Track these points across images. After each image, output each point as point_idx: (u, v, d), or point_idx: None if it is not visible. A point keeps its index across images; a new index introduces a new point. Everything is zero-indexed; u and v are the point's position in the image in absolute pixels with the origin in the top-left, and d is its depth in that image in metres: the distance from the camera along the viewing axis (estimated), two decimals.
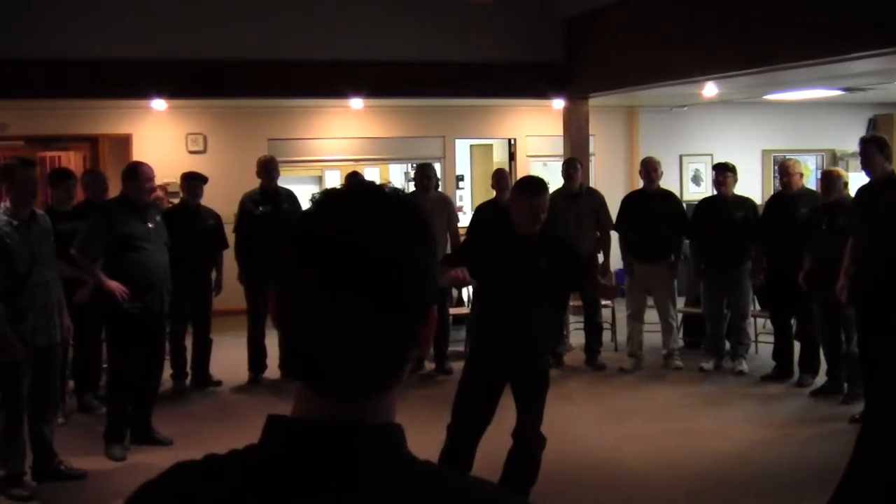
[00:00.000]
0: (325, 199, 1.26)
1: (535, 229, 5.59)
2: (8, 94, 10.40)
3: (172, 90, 10.76)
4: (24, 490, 6.27)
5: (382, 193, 1.26)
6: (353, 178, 8.90)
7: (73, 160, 13.21)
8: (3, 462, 6.24)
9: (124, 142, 13.23)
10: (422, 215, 1.27)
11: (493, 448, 5.62)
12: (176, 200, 9.88)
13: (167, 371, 8.85)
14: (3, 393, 6.24)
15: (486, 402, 5.60)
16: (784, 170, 9.31)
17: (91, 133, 13.17)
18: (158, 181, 11.49)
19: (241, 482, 1.20)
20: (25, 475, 6.36)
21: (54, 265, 6.46)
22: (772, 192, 13.26)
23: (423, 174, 9.61)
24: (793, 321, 9.24)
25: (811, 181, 13.18)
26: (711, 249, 9.48)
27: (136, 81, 10.33)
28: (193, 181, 9.11)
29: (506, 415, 5.64)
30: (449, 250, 9.16)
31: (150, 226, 7.18)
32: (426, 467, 1.22)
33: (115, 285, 6.91)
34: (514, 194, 5.82)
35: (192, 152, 13.33)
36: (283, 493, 1.17)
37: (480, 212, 10.15)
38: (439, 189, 10.49)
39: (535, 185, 5.69)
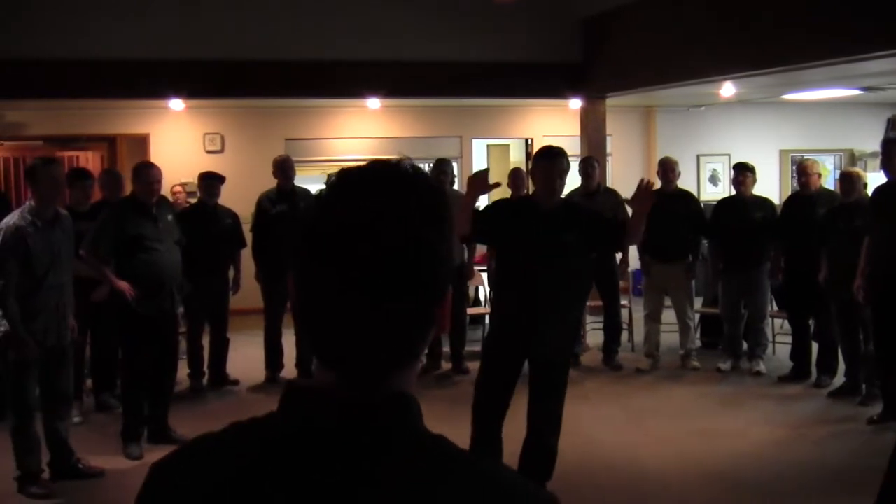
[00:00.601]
0: (340, 180, 1.25)
1: (552, 196, 5.62)
2: (27, 94, 10.49)
3: (189, 90, 10.80)
4: (43, 488, 6.30)
5: (399, 173, 1.24)
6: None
7: (91, 160, 13.26)
8: (18, 461, 6.26)
9: (142, 142, 13.28)
10: (439, 194, 1.26)
11: (511, 444, 5.62)
12: (194, 200, 9.91)
13: (184, 370, 8.88)
14: (11, 392, 6.27)
15: (508, 376, 5.67)
16: (802, 170, 9.27)
17: (109, 133, 13.22)
18: (176, 181, 11.58)
19: (261, 452, 1.21)
20: (43, 472, 6.38)
21: (71, 267, 6.48)
22: (789, 193, 13.20)
23: (440, 169, 9.59)
24: (811, 321, 9.20)
25: (829, 181, 13.11)
26: (730, 250, 9.45)
27: (154, 81, 10.38)
28: (211, 181, 9.12)
29: (524, 407, 5.68)
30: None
31: (160, 225, 7.21)
32: (440, 441, 1.23)
33: (124, 285, 6.93)
34: (532, 164, 5.96)
35: (209, 152, 13.37)
36: (302, 462, 1.18)
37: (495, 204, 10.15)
38: (455, 186, 10.47)
39: (547, 150, 5.81)
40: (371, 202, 1.20)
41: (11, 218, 6.10)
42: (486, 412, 5.68)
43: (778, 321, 10.34)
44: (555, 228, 5.53)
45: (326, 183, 1.55)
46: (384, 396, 1.20)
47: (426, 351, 8.15)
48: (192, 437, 1.30)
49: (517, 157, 15.54)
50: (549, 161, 5.63)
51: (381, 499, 1.15)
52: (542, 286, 5.52)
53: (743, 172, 9.46)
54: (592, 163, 10.06)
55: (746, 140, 15.27)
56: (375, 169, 1.25)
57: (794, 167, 12.78)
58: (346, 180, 1.24)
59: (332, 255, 1.18)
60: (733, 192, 9.78)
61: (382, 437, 1.18)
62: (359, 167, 1.26)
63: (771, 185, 14.60)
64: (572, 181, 10.54)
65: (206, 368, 9.20)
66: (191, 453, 1.29)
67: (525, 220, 5.68)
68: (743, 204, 9.43)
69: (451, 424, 5.47)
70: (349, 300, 1.18)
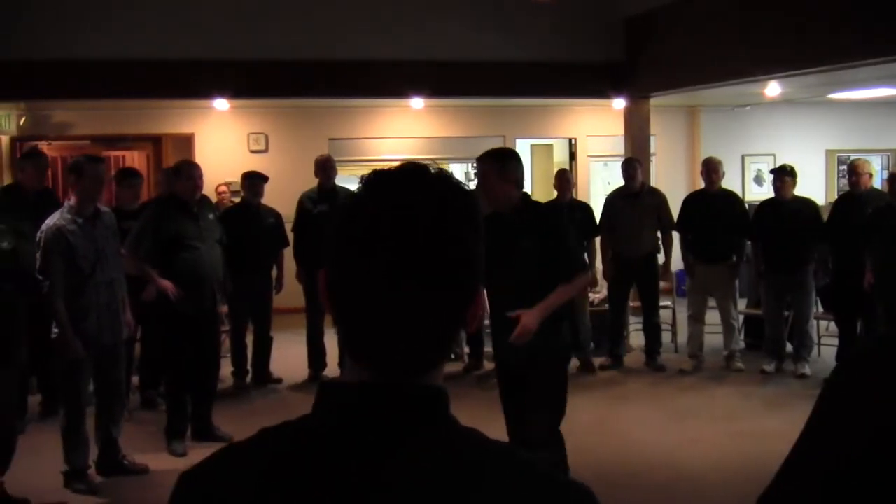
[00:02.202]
0: (377, 179, 1.26)
1: (498, 202, 5.24)
2: (74, 95, 10.62)
3: (234, 90, 10.87)
4: (89, 484, 6.39)
5: (431, 175, 1.26)
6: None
7: (136, 159, 13.39)
8: (66, 458, 6.35)
9: (187, 141, 13.38)
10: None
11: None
12: (238, 199, 9.97)
13: (228, 368, 8.94)
14: (64, 391, 6.36)
15: (513, 394, 5.47)
16: (853, 169, 9.18)
17: (154, 133, 13.35)
18: (220, 180, 11.67)
19: (293, 448, 1.23)
20: (90, 469, 6.47)
21: (120, 263, 6.55)
22: (835, 193, 13.07)
23: None
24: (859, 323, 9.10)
25: (877, 182, 12.98)
26: (772, 252, 9.38)
27: (199, 81, 10.46)
28: (254, 180, 9.18)
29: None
30: None
31: (202, 224, 7.26)
32: (473, 431, 1.25)
33: (167, 284, 6.99)
34: None
35: (253, 152, 13.45)
36: (336, 454, 1.19)
37: None
38: None
39: (481, 155, 5.41)
40: (409, 200, 1.21)
41: (52, 219, 6.17)
42: (507, 423, 5.54)
43: (824, 322, 10.24)
44: (509, 234, 5.19)
45: (361, 181, 1.53)
46: (417, 388, 1.23)
47: (468, 350, 8.05)
48: (220, 447, 1.32)
49: (560, 158, 15.50)
50: (478, 166, 5.35)
51: (419, 488, 1.16)
52: (500, 294, 5.20)
53: (781, 177, 9.38)
54: (634, 164, 10.04)
55: (792, 140, 15.14)
56: (409, 170, 1.27)
57: (844, 167, 12.65)
58: (382, 179, 1.26)
59: (370, 251, 1.19)
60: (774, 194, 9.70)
61: (417, 427, 1.20)
62: (392, 168, 1.28)
63: (817, 186, 14.47)
64: (616, 182, 10.56)
65: (249, 367, 9.27)
66: (220, 460, 1.30)
67: (489, 230, 5.49)
68: (783, 206, 9.35)
69: (495, 424, 5.47)
70: (386, 295, 1.19)
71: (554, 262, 5.16)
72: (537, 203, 5.34)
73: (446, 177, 1.27)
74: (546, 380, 5.30)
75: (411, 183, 1.24)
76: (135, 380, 8.53)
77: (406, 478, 1.16)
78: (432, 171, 1.27)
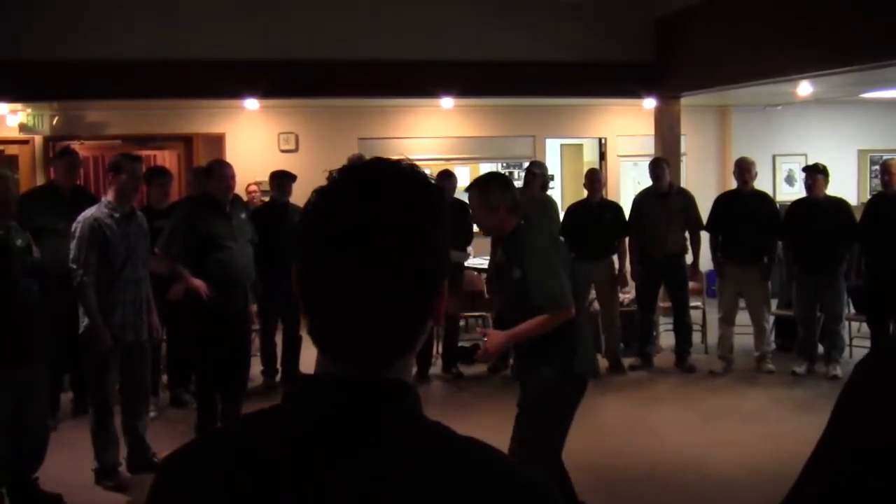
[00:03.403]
0: (346, 175, 1.30)
1: (486, 231, 5.22)
2: (107, 95, 10.70)
3: (264, 90, 10.91)
4: (119, 481, 6.45)
5: (400, 171, 1.29)
6: (376, 159, 9.01)
7: (168, 159, 13.45)
8: (97, 455, 6.41)
9: (218, 141, 13.43)
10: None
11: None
12: (267, 199, 10.01)
13: (258, 367, 8.96)
14: (91, 389, 6.42)
15: None
16: (886, 169, 9.11)
17: (185, 132, 13.40)
18: (251, 179, 11.71)
19: (269, 439, 1.26)
20: (120, 466, 6.53)
21: (148, 263, 6.61)
22: (868, 193, 12.96)
23: (528, 170, 9.69)
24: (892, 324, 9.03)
25: None
26: (803, 252, 9.32)
27: (230, 82, 10.51)
28: (282, 179, 9.22)
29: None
30: None
31: (234, 223, 7.29)
32: (438, 425, 1.28)
33: (199, 284, 7.02)
34: None
35: (283, 151, 13.48)
36: (304, 444, 1.22)
37: (571, 214, 10.11)
38: (547, 191, 10.33)
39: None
40: (377, 196, 1.25)
41: (89, 211, 6.26)
42: None
43: (855, 324, 10.17)
44: (506, 263, 5.03)
45: (328, 178, 1.51)
46: (384, 382, 1.25)
47: None
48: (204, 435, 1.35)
49: (590, 157, 15.48)
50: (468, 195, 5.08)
51: (380, 481, 1.18)
52: (503, 315, 5.21)
53: (813, 175, 9.33)
54: (661, 164, 10.00)
55: (823, 140, 15.03)
56: (378, 166, 1.31)
57: (876, 167, 12.54)
58: (351, 175, 1.30)
59: (338, 246, 1.23)
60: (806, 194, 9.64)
61: (380, 422, 1.23)
62: (361, 164, 1.32)
63: (849, 186, 14.36)
64: (645, 182, 10.53)
65: (279, 366, 9.29)
66: (201, 446, 1.36)
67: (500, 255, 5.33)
68: (815, 206, 9.29)
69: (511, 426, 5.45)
70: (353, 289, 1.23)
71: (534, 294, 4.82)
72: (528, 233, 4.95)
73: (414, 172, 1.30)
74: (528, 399, 5.09)
75: (380, 179, 1.28)
76: (164, 378, 8.58)
77: (369, 473, 1.19)
78: (402, 167, 1.30)
